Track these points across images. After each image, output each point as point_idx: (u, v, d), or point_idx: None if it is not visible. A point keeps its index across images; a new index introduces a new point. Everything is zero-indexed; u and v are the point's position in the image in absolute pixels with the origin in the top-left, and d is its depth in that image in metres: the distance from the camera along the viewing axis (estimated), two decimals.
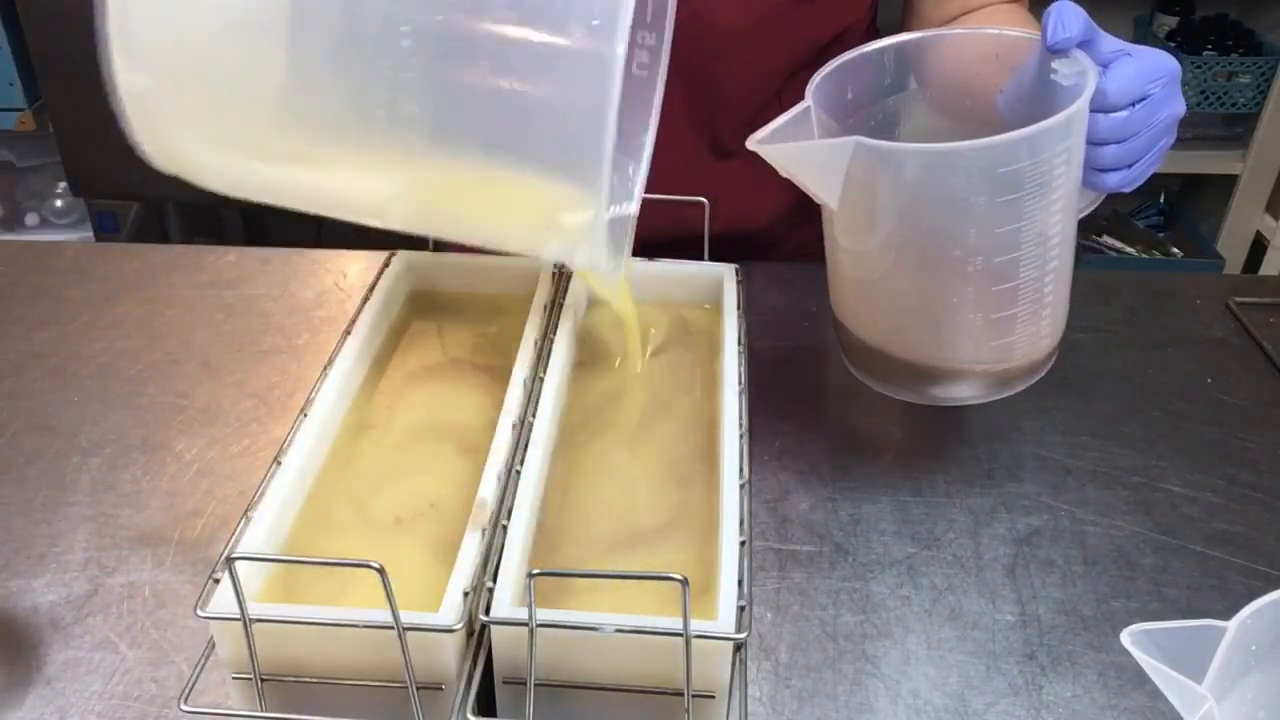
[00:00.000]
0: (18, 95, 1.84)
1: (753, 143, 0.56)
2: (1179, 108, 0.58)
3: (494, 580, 0.48)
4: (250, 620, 0.46)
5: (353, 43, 0.50)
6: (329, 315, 0.84)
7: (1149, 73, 0.57)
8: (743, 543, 0.50)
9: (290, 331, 0.82)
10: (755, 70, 0.84)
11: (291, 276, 0.89)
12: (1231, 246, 2.06)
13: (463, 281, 0.74)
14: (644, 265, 0.73)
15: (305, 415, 0.58)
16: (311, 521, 0.55)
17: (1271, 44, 1.96)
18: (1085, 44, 0.57)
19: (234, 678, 0.49)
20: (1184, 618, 0.41)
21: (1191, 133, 1.97)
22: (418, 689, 0.46)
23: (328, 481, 0.58)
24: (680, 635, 0.45)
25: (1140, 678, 0.51)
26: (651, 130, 0.62)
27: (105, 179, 1.50)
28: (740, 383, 0.61)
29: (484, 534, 0.51)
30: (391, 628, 0.45)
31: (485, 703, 0.49)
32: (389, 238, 0.64)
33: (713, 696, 0.48)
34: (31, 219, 2.10)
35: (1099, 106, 0.57)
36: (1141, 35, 2.05)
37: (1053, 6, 0.57)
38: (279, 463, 0.55)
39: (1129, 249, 2.09)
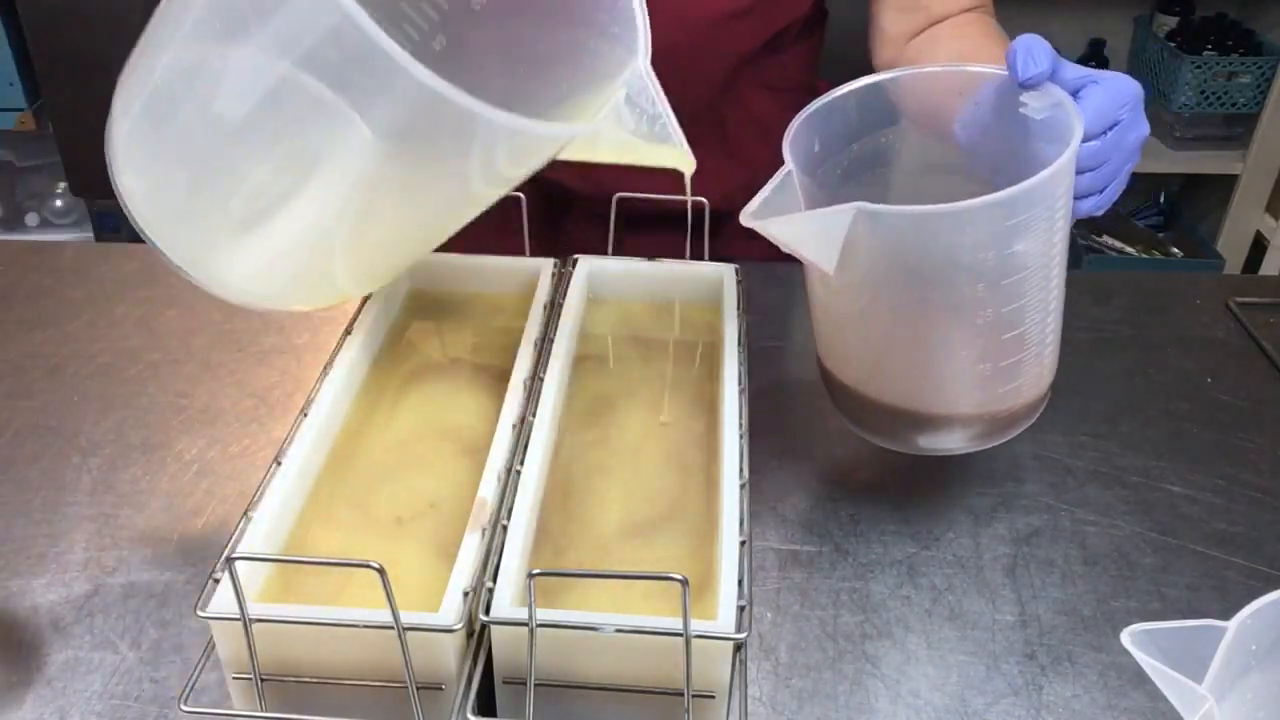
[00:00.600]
0: (18, 95, 1.84)
1: (748, 220, 0.54)
2: (1144, 129, 0.59)
3: (494, 580, 0.48)
4: (250, 620, 0.46)
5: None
6: (329, 315, 0.84)
7: (1117, 99, 0.57)
8: (743, 543, 0.50)
9: (290, 331, 0.82)
10: (694, 78, 0.83)
11: None
12: (1231, 246, 2.06)
13: (463, 281, 0.74)
14: (644, 265, 0.73)
15: (305, 415, 0.58)
16: (311, 521, 0.55)
17: (1271, 44, 1.96)
18: (1051, 74, 0.57)
19: (234, 678, 0.49)
20: (1184, 618, 0.41)
21: (1191, 133, 1.97)
22: (418, 689, 0.46)
23: (328, 481, 0.58)
24: (680, 635, 0.45)
25: (1140, 678, 0.51)
26: None
27: (105, 179, 1.50)
28: (740, 383, 0.61)
29: (484, 534, 0.51)
30: (391, 628, 0.45)
31: (485, 703, 0.49)
32: None
33: (713, 696, 0.48)
34: (31, 219, 2.10)
35: None
36: (1142, 35, 2.05)
37: (1018, 41, 0.57)
38: (279, 463, 0.55)
39: (1129, 249, 2.09)
